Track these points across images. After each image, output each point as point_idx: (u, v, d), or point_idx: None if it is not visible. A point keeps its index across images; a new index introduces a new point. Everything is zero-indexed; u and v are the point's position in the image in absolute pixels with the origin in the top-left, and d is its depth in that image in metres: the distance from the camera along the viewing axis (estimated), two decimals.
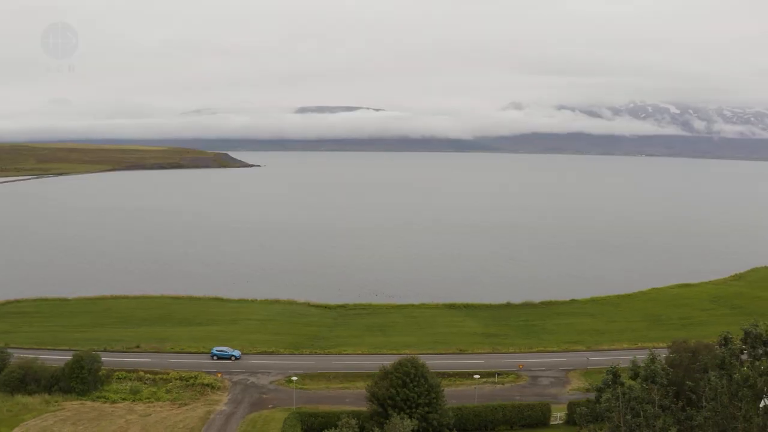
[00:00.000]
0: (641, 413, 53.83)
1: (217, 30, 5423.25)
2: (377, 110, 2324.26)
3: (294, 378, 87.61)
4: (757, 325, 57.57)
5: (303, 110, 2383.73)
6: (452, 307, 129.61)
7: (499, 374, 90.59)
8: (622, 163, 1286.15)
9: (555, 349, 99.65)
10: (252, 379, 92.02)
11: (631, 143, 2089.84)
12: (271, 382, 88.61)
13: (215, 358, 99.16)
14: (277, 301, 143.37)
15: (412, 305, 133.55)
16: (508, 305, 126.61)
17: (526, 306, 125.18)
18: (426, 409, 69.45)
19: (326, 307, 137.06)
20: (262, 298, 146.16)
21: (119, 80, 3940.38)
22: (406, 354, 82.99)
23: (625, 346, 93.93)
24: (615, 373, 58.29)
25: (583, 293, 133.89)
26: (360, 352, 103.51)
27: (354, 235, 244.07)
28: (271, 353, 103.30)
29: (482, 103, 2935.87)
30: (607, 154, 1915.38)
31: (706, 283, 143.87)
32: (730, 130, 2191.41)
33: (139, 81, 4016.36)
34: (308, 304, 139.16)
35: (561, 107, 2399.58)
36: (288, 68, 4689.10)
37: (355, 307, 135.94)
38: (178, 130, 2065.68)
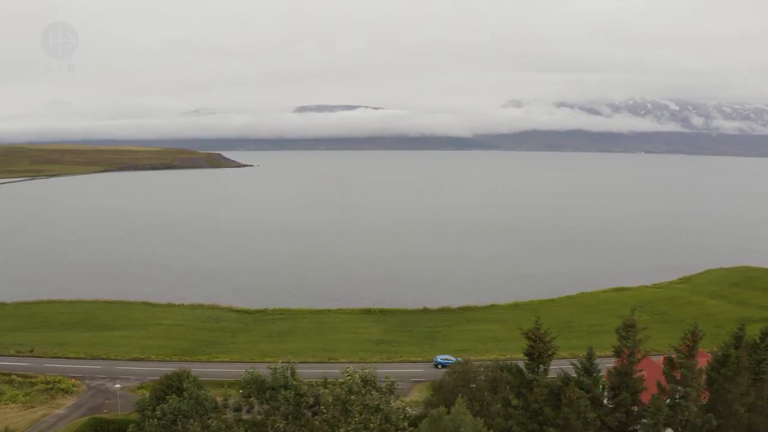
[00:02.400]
0: None
1: (217, 30, 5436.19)
2: (376, 109, 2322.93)
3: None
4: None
5: (302, 109, 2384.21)
6: (368, 312, 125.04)
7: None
8: (618, 161, 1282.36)
9: (418, 359, 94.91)
10: (108, 384, 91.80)
11: (631, 140, 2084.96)
12: (122, 389, 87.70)
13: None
14: (200, 306, 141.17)
15: (329, 310, 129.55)
16: (425, 310, 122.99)
17: (443, 311, 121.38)
18: None
19: (246, 311, 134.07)
20: (188, 303, 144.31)
21: (119, 81, 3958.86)
22: (270, 362, 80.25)
23: (493, 356, 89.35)
24: None
25: (520, 296, 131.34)
26: (228, 360, 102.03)
27: (325, 235, 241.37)
28: (143, 359, 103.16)
29: (482, 100, 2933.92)
30: (607, 151, 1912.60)
31: (645, 286, 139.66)
32: (730, 126, 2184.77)
33: (139, 81, 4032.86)
34: (230, 309, 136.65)
35: (560, 104, 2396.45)
36: (287, 68, 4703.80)
37: (273, 312, 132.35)
38: (178, 130, 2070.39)
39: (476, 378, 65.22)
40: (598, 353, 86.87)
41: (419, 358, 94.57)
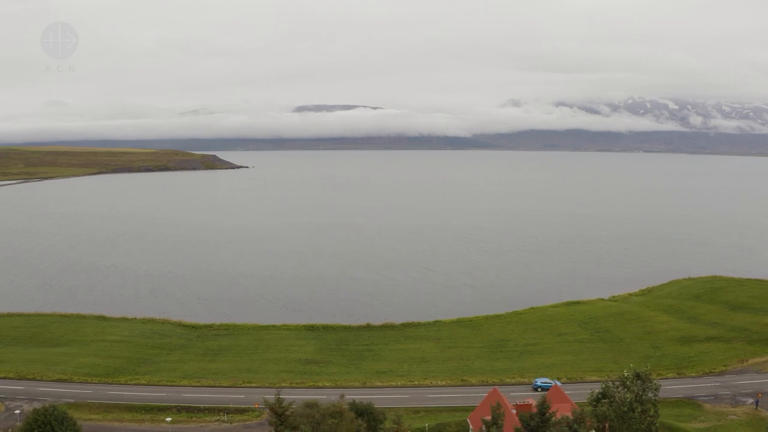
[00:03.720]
0: None
1: (214, 30, 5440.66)
2: (375, 108, 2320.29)
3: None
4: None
5: (300, 109, 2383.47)
6: (311, 328, 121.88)
7: (228, 412, 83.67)
8: (614, 160, 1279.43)
9: (327, 383, 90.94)
10: (26, 406, 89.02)
11: (630, 139, 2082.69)
12: (26, 410, 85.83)
13: None
14: (152, 320, 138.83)
15: (273, 326, 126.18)
16: (367, 327, 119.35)
17: (384, 327, 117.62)
18: None
19: (193, 327, 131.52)
20: (141, 317, 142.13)
21: (116, 81, 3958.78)
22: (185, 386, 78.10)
23: (400, 383, 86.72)
24: None
25: (468, 311, 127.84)
26: (145, 382, 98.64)
27: (293, 244, 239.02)
28: (66, 381, 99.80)
29: (480, 100, 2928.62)
30: (606, 150, 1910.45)
31: (602, 299, 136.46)
32: (729, 125, 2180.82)
33: (136, 81, 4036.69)
34: (179, 324, 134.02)
35: (559, 104, 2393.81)
36: (285, 67, 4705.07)
37: (219, 327, 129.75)
38: (176, 130, 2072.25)
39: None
40: (508, 380, 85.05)
41: (329, 383, 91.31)
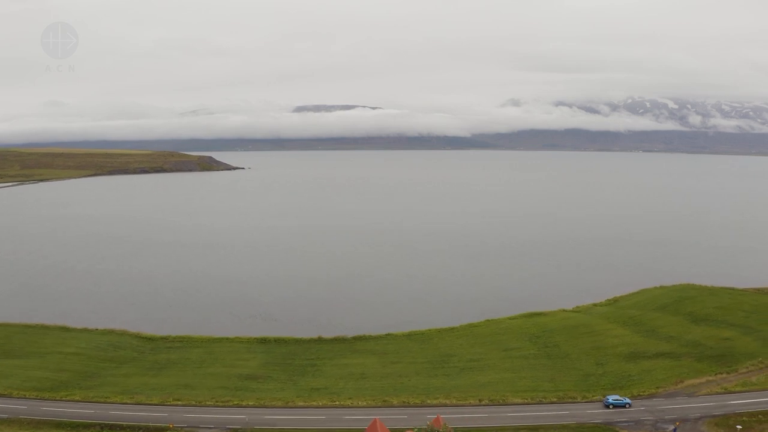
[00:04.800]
0: None
1: (213, 30, 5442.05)
2: (374, 108, 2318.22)
3: None
4: None
5: (300, 109, 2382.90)
6: (263, 341, 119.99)
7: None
8: (615, 160, 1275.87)
9: (252, 403, 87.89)
10: None
11: (629, 139, 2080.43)
12: None
13: None
14: (111, 331, 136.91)
15: (227, 338, 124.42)
16: (319, 340, 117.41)
17: (336, 341, 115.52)
18: None
19: (149, 338, 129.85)
20: (102, 327, 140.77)
21: (116, 81, 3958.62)
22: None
23: (321, 404, 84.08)
24: None
25: (423, 323, 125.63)
26: (80, 398, 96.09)
27: (267, 250, 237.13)
28: (6, 396, 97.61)
29: (480, 99, 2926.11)
30: (605, 150, 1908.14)
31: (564, 310, 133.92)
32: (729, 124, 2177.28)
33: (136, 82, 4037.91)
34: (136, 335, 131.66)
35: (559, 103, 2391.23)
36: (285, 67, 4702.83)
37: (174, 339, 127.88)
38: (175, 130, 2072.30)
39: None
40: (429, 401, 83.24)
41: (253, 402, 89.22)
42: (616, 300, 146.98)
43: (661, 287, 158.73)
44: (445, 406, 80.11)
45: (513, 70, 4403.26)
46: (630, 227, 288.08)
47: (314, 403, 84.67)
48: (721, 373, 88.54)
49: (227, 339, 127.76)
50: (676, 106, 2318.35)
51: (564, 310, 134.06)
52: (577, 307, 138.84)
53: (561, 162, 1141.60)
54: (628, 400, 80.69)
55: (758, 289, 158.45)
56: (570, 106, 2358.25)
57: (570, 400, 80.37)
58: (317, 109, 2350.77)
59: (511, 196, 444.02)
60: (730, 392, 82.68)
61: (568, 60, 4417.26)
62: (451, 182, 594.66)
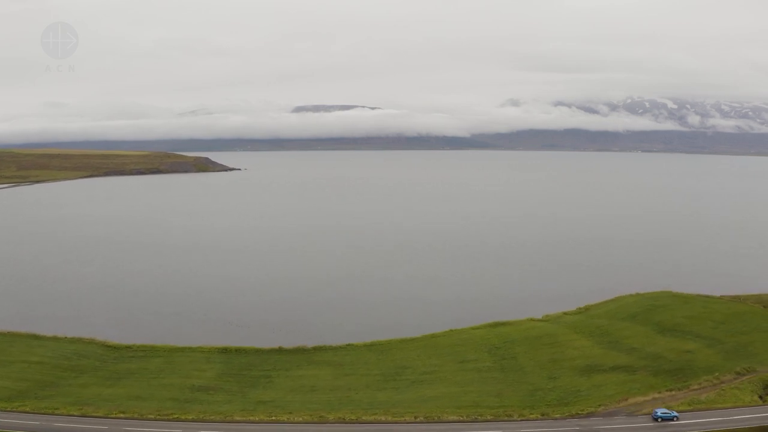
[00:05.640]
0: None
1: (212, 30, 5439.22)
2: (373, 108, 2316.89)
3: None
4: None
5: (299, 109, 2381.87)
6: (224, 351, 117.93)
7: None
8: (614, 160, 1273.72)
9: (190, 418, 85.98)
10: None
11: (628, 139, 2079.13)
12: None
13: None
14: (80, 339, 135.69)
15: (189, 348, 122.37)
16: (279, 350, 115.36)
17: (295, 351, 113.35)
18: None
19: (114, 347, 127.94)
20: (71, 335, 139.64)
21: (115, 81, 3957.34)
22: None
23: (257, 419, 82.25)
24: None
25: (385, 332, 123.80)
26: (28, 409, 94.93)
27: (257, 255, 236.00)
28: None
29: (479, 99, 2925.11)
30: (605, 150, 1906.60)
31: (532, 319, 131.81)
32: (728, 124, 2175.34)
33: (135, 82, 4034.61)
34: (103, 344, 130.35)
35: (558, 103, 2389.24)
36: (284, 67, 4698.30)
37: (138, 348, 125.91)
38: (175, 130, 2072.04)
39: None
40: (365, 417, 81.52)
41: (192, 417, 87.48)
42: (587, 308, 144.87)
43: (636, 294, 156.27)
44: (380, 423, 78.41)
45: (512, 70, 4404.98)
46: (621, 230, 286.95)
47: (252, 418, 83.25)
48: (672, 390, 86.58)
49: (189, 348, 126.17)
50: (676, 106, 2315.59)
51: (532, 320, 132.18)
52: (546, 315, 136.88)
53: (560, 162, 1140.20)
54: (675, 414, 79.00)
55: (735, 297, 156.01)
56: (569, 106, 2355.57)
57: (506, 418, 78.40)
58: (316, 109, 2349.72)
59: (507, 197, 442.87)
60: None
61: (567, 60, 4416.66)
62: (449, 182, 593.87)
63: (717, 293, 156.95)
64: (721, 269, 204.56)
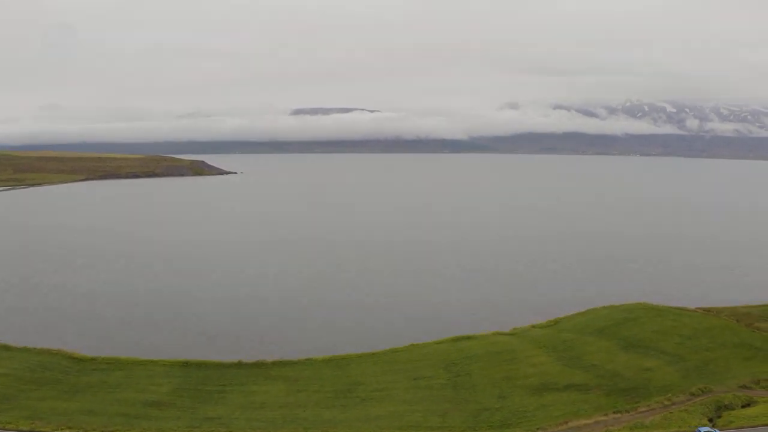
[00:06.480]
0: None
1: (212, 32, 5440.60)
2: (372, 111, 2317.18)
3: None
4: None
5: (298, 112, 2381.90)
6: (185, 365, 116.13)
7: None
8: (607, 164, 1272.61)
9: None
10: None
11: (627, 142, 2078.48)
12: None
13: None
14: (47, 351, 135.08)
15: (151, 361, 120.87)
16: (239, 364, 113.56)
17: (255, 366, 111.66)
18: None
19: (80, 359, 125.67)
20: (41, 346, 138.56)
21: (115, 84, 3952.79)
22: None
23: None
24: None
25: (348, 346, 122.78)
26: None
27: (236, 263, 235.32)
28: None
29: (477, 102, 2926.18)
30: (603, 153, 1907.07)
31: (499, 333, 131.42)
32: (727, 128, 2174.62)
33: (135, 84, 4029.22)
34: (70, 356, 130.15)
35: (557, 107, 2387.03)
36: (283, 70, 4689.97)
37: (102, 361, 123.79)
38: (173, 133, 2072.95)
39: None
40: None
41: None
42: (557, 321, 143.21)
43: (610, 307, 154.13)
44: None
45: (510, 73, 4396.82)
46: (607, 238, 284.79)
47: None
48: (619, 412, 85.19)
49: (151, 361, 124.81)
50: (675, 110, 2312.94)
51: (498, 333, 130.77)
52: (514, 329, 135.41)
53: (564, 167, 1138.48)
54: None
55: (707, 309, 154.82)
56: (568, 109, 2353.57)
57: None
58: (315, 111, 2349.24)
59: (500, 206, 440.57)
60: None
61: (565, 63, 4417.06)
62: (449, 186, 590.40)
63: (697, 304, 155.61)
64: (702, 279, 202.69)
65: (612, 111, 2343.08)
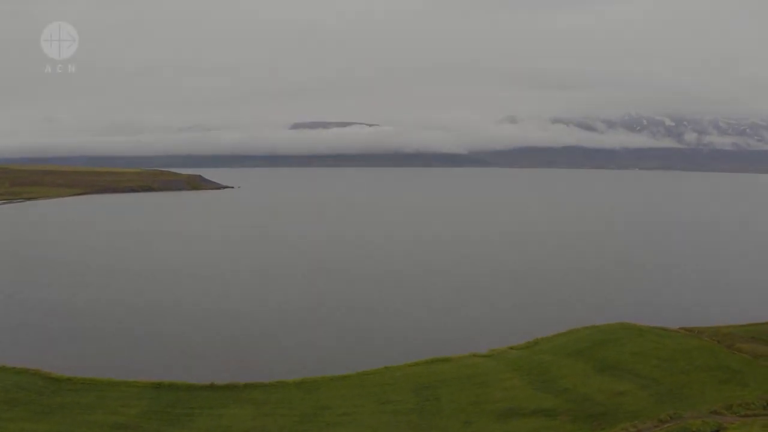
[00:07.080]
0: None
1: (211, 47, 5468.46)
2: (371, 125, 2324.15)
3: None
4: None
5: (297, 126, 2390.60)
6: (157, 386, 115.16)
7: None
8: (604, 178, 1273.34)
9: None
10: None
11: (626, 156, 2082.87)
12: None
13: None
14: (25, 371, 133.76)
15: (124, 382, 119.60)
16: (212, 386, 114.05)
17: (226, 388, 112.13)
18: None
19: (56, 379, 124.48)
20: (20, 366, 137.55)
21: (114, 97, 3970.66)
22: None
23: None
24: None
25: (318, 369, 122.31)
26: None
27: (225, 279, 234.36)
28: None
29: (476, 116, 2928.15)
30: (602, 167, 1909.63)
31: (475, 355, 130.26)
32: (725, 142, 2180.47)
33: (134, 98, 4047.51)
34: (47, 376, 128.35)
35: (556, 120, 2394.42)
36: (282, 84, 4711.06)
37: (77, 381, 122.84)
38: (172, 146, 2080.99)
39: None
40: None
41: None
42: (536, 342, 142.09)
43: (592, 327, 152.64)
44: None
45: (509, 87, 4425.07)
46: (597, 256, 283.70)
47: None
48: None
49: (125, 382, 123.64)
50: (673, 123, 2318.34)
51: (474, 355, 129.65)
52: (492, 350, 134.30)
53: (564, 182, 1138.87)
54: None
55: (688, 330, 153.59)
56: (567, 123, 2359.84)
57: None
58: (314, 125, 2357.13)
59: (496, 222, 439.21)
60: None
61: (564, 77, 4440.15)
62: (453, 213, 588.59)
63: (681, 324, 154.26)
64: (689, 297, 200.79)
65: (611, 125, 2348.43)
